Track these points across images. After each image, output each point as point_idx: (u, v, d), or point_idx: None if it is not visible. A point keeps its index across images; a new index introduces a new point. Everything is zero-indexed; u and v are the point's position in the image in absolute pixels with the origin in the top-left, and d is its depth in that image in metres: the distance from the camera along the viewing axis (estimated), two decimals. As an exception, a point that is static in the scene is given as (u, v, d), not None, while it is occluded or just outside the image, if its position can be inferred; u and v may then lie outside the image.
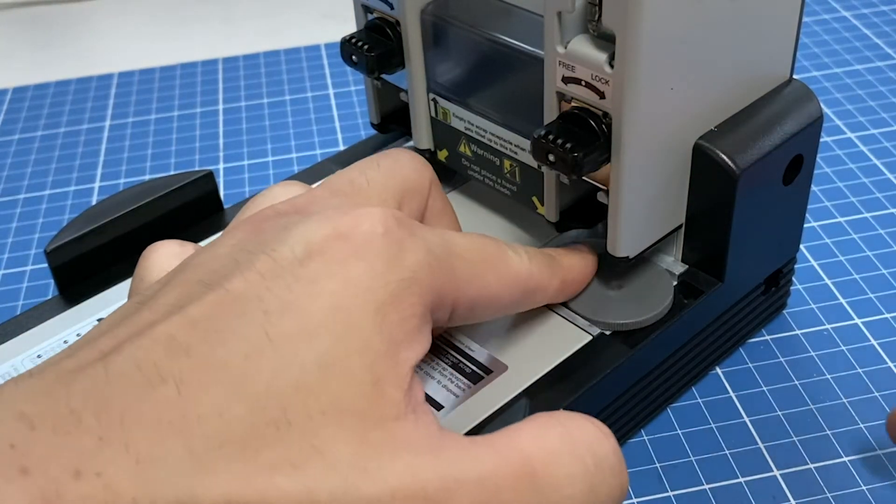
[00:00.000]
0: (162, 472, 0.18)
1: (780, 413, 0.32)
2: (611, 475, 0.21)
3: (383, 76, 0.34)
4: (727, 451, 0.31)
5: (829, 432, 0.31)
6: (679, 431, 0.32)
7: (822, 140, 0.31)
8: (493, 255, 0.25)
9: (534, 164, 0.30)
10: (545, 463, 0.21)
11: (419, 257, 0.22)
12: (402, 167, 0.26)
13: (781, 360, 0.34)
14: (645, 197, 0.28)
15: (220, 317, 0.20)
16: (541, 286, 0.27)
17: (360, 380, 0.20)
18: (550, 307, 0.30)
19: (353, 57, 0.33)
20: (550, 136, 0.26)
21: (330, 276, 0.20)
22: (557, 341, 0.29)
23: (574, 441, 0.21)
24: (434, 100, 0.33)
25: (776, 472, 0.30)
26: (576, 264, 0.29)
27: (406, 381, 0.21)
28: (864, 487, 0.30)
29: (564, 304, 0.30)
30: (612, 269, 0.30)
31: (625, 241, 0.28)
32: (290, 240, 0.21)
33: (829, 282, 0.37)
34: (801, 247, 0.39)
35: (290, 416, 0.19)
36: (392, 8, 0.32)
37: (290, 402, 0.19)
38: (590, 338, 0.29)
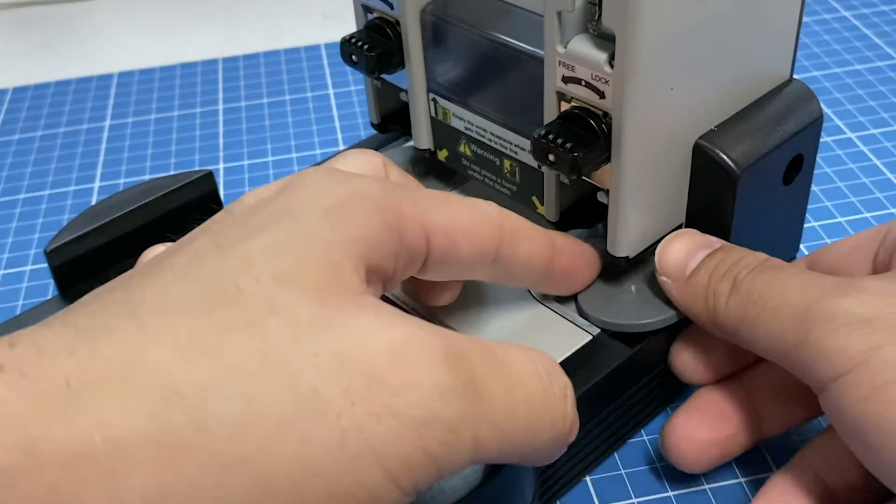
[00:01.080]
0: (101, 335, 0.18)
1: (780, 413, 0.32)
2: (558, 390, 0.22)
3: (383, 76, 0.34)
4: (727, 451, 0.31)
5: (829, 432, 0.31)
6: (679, 431, 0.32)
7: (822, 140, 0.31)
8: (456, 196, 0.26)
9: (534, 164, 0.30)
10: (503, 352, 0.22)
11: (365, 180, 0.23)
12: (354, 167, 0.27)
13: (781, 359, 0.34)
14: (645, 197, 0.28)
15: (172, 255, 0.21)
16: (520, 231, 0.26)
17: (313, 260, 0.20)
18: (551, 307, 0.30)
19: (353, 57, 0.33)
20: (550, 136, 0.26)
21: (274, 201, 0.22)
22: (557, 341, 0.29)
23: (523, 349, 0.22)
24: (434, 100, 0.33)
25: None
26: (567, 238, 0.29)
27: (362, 272, 0.21)
28: (864, 487, 0.30)
29: (579, 312, 0.30)
30: (624, 272, 0.30)
31: (625, 240, 0.28)
32: (235, 212, 0.22)
33: (829, 282, 0.37)
34: (801, 247, 0.39)
35: (241, 284, 0.19)
36: (392, 8, 0.32)
37: (238, 275, 0.19)
38: (590, 338, 0.29)
